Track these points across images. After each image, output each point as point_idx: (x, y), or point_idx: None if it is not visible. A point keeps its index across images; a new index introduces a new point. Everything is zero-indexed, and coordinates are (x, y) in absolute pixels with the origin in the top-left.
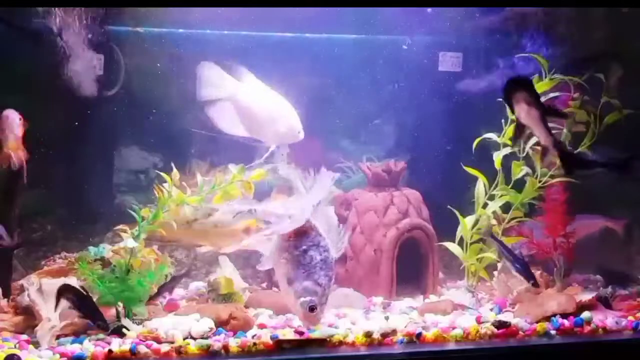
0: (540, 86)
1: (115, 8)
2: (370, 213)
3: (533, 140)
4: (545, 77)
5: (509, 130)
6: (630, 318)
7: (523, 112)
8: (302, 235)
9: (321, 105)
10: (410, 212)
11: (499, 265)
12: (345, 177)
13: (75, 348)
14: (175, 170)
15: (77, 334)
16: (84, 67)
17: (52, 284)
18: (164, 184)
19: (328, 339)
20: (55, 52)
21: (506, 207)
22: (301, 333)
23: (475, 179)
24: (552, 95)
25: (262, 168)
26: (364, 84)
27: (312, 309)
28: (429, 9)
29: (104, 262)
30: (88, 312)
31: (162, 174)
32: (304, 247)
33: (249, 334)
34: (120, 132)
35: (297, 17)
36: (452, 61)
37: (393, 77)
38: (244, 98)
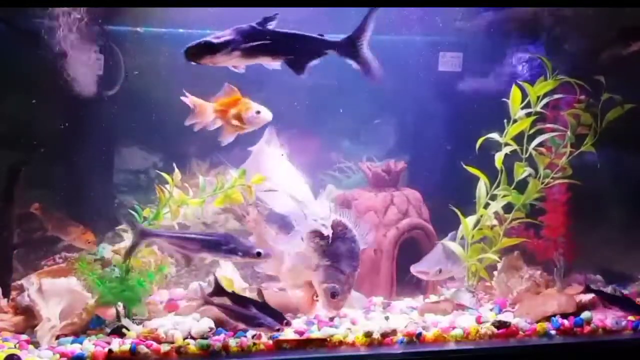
0: (544, 86)
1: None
2: (370, 213)
3: (536, 141)
4: (550, 77)
5: (511, 129)
6: (630, 318)
7: None
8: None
9: (321, 105)
10: (410, 212)
11: (499, 265)
12: (345, 177)
13: (75, 348)
14: (177, 170)
15: (77, 334)
16: (83, 67)
17: (52, 284)
18: (166, 185)
19: (328, 339)
20: (54, 52)
21: (506, 207)
22: (301, 333)
23: (476, 179)
24: (557, 96)
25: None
26: (364, 84)
27: (333, 295)
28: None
29: (104, 262)
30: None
31: (163, 174)
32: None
33: (249, 334)
34: (121, 132)
35: (297, 17)
36: (452, 61)
37: (393, 77)
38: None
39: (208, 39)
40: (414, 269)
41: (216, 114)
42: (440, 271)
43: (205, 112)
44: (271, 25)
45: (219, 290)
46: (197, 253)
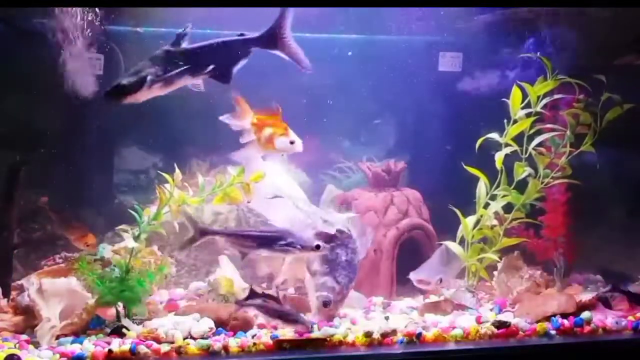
0: (544, 86)
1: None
2: (370, 213)
3: (536, 141)
4: (549, 77)
5: (511, 130)
6: (630, 318)
7: None
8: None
9: (321, 105)
10: (410, 212)
11: (499, 265)
12: (345, 177)
13: (75, 348)
14: (177, 170)
15: (77, 334)
16: (83, 67)
17: (52, 284)
18: (166, 184)
19: (328, 339)
20: (54, 52)
21: (505, 207)
22: (301, 333)
23: (476, 179)
24: (556, 96)
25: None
26: (364, 83)
27: (325, 304)
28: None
29: (104, 262)
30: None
31: (163, 174)
32: (333, 244)
33: (249, 334)
34: (121, 132)
35: (297, 17)
36: (451, 61)
37: (394, 77)
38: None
39: (123, 81)
40: (415, 278)
41: (253, 125)
42: (441, 281)
43: (244, 117)
44: (185, 42)
45: (253, 294)
46: (255, 249)
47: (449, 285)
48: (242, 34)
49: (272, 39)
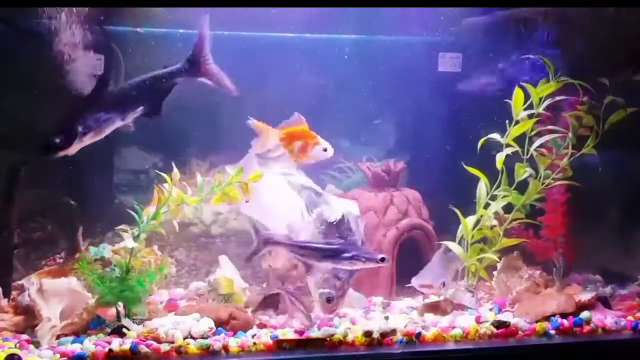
0: (547, 88)
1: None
2: (370, 213)
3: (537, 142)
4: (552, 79)
5: (513, 130)
6: (630, 318)
7: None
8: (332, 228)
9: (321, 105)
10: (410, 212)
11: (499, 265)
12: (345, 177)
13: (75, 348)
14: (175, 170)
15: (78, 334)
16: (83, 68)
17: (53, 284)
18: (164, 184)
19: (328, 339)
20: (54, 52)
21: (506, 208)
22: (301, 333)
23: (475, 179)
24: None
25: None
26: (364, 84)
27: (328, 300)
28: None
29: (104, 262)
30: None
31: (162, 173)
32: (332, 240)
33: (249, 334)
34: (121, 132)
35: (297, 17)
36: (451, 62)
37: (394, 77)
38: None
39: (55, 139)
40: (417, 283)
41: (281, 141)
42: (444, 285)
43: (269, 137)
44: (111, 85)
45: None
46: (318, 261)
47: (449, 286)
48: (165, 66)
49: (194, 66)
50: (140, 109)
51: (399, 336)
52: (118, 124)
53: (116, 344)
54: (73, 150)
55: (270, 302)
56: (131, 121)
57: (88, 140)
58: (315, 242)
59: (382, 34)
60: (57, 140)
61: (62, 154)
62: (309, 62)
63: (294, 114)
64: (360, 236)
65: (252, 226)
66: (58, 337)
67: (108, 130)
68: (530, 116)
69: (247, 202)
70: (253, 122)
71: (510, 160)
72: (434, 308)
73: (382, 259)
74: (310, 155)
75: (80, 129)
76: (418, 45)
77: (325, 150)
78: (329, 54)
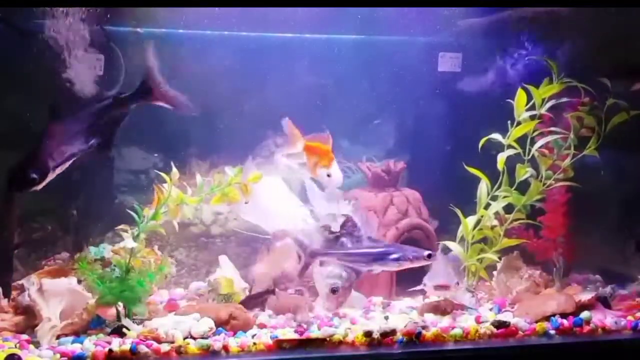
0: (550, 89)
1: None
2: (370, 213)
3: (539, 143)
4: (555, 80)
5: (515, 131)
6: (630, 318)
7: None
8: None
9: (321, 105)
10: (409, 212)
11: (499, 265)
12: (345, 177)
13: (75, 348)
14: (174, 169)
15: (78, 334)
16: (83, 68)
17: (53, 284)
18: (164, 184)
19: (328, 339)
20: (54, 52)
21: (506, 208)
22: (301, 333)
23: (476, 179)
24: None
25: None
26: (363, 84)
27: (333, 291)
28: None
29: (104, 262)
30: None
31: (161, 173)
32: (338, 233)
33: (249, 334)
34: (121, 132)
35: (297, 17)
36: (451, 62)
37: (393, 77)
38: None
39: (32, 174)
40: (431, 284)
41: (304, 150)
42: (458, 284)
43: (295, 143)
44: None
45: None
46: (368, 266)
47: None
48: (120, 94)
49: (146, 91)
50: (93, 142)
51: (399, 336)
52: (83, 150)
53: (116, 344)
54: (46, 180)
55: (258, 301)
56: (88, 149)
57: (58, 171)
58: (359, 248)
59: (382, 34)
60: (35, 177)
61: (36, 188)
62: (309, 62)
63: (325, 130)
64: (370, 227)
65: (298, 243)
66: (58, 337)
67: (72, 159)
68: (532, 117)
69: (246, 203)
70: (288, 123)
71: (511, 161)
72: (434, 308)
73: (429, 256)
74: (317, 174)
75: (51, 166)
76: (418, 45)
77: (328, 175)
78: (329, 54)
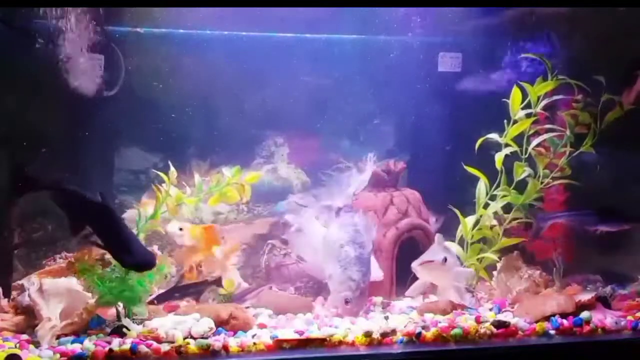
0: (544, 87)
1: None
2: (370, 213)
3: (536, 141)
4: (549, 77)
5: (512, 130)
6: (630, 318)
7: None
8: (341, 231)
9: (321, 105)
10: (409, 212)
11: (499, 265)
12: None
13: (75, 348)
14: (172, 169)
15: (78, 334)
16: (83, 68)
17: (53, 284)
18: (163, 184)
19: (328, 339)
20: (54, 52)
21: (504, 207)
22: (301, 333)
23: (475, 179)
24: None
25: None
26: (363, 84)
27: (346, 302)
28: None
29: (104, 262)
30: None
31: (160, 173)
32: (342, 242)
33: (249, 334)
34: (121, 132)
35: (297, 17)
36: (451, 62)
37: (393, 78)
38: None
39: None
40: (417, 263)
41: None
42: (445, 260)
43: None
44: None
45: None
46: None
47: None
48: None
49: None
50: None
51: (399, 336)
52: None
53: (116, 344)
54: None
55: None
56: None
57: None
58: None
59: (382, 34)
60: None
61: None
62: (308, 63)
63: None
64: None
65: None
66: (58, 337)
67: None
68: (528, 115)
69: (245, 203)
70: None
71: (509, 160)
72: (434, 308)
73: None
74: None
75: None
76: (418, 45)
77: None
78: (329, 54)
